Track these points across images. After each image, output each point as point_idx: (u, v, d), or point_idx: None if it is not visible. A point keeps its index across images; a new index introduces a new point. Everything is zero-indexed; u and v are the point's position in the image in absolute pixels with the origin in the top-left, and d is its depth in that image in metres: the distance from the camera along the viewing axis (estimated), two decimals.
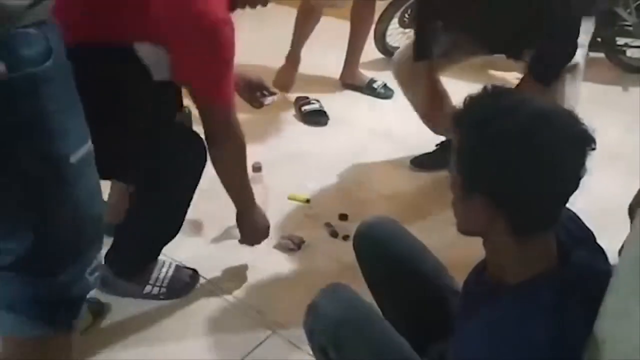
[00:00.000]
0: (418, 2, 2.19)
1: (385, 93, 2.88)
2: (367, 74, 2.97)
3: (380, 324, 1.12)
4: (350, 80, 2.95)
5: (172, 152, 1.46)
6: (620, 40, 3.13)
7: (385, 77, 2.79)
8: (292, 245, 1.90)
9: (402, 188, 2.31)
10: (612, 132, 2.38)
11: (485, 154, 0.85)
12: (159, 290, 1.69)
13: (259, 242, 1.78)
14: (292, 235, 1.94)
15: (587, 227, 0.97)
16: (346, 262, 1.85)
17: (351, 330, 1.08)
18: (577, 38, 1.81)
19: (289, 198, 2.16)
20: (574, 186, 0.86)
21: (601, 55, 3.19)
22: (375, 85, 2.91)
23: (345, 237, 1.96)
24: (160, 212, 1.55)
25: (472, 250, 0.99)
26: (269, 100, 1.88)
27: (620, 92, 3.05)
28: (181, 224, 1.64)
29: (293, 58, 2.80)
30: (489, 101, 0.88)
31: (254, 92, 1.86)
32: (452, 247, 1.48)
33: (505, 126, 0.82)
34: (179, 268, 1.75)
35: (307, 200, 2.15)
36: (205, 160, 1.55)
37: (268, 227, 1.78)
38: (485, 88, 0.90)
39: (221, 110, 1.48)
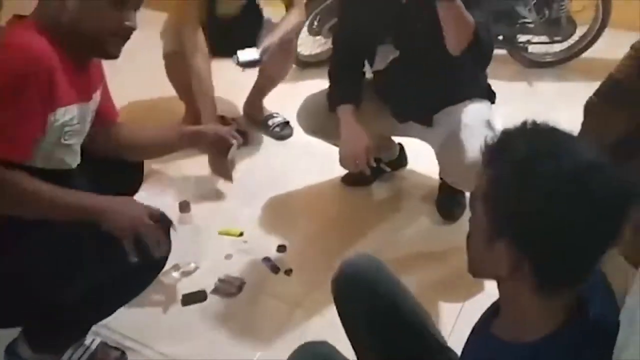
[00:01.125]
0: (334, 49, 2.09)
1: (280, 133, 2.59)
2: (279, 87, 2.68)
3: None
4: (251, 110, 2.69)
5: None
6: (522, 38, 3.24)
7: (300, 88, 2.64)
8: (233, 288, 1.73)
9: (336, 207, 2.21)
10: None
11: (523, 195, 0.75)
12: None
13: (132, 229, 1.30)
14: (230, 277, 1.77)
15: (602, 273, 0.90)
16: (294, 301, 1.73)
17: None
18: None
19: (220, 233, 1.98)
20: (614, 240, 0.77)
21: (504, 52, 3.29)
22: (270, 123, 2.61)
23: (288, 272, 1.83)
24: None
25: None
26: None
27: (526, 87, 3.16)
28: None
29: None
30: (530, 139, 0.78)
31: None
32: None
33: (550, 168, 0.73)
34: (104, 347, 1.52)
35: (241, 234, 1.99)
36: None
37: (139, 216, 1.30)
38: (525, 123, 0.79)
39: None
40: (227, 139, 1.64)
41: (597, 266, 0.80)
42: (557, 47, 3.29)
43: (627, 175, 0.76)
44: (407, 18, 1.79)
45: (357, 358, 1.22)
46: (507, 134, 0.80)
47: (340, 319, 1.24)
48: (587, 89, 1.60)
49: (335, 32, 2.18)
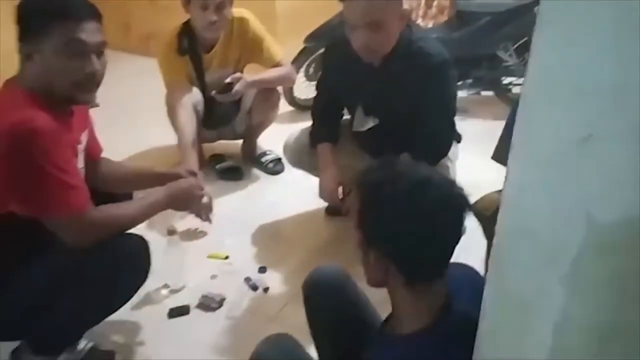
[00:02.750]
0: (317, 93, 2.33)
1: (273, 168, 2.82)
2: (277, 127, 2.96)
3: None
4: (246, 148, 2.93)
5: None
6: (506, 80, 3.45)
7: (297, 128, 2.87)
8: (214, 303, 1.93)
9: (317, 236, 2.40)
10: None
11: (377, 214, 0.96)
12: None
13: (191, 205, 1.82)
14: (213, 293, 1.97)
15: (476, 275, 1.08)
16: (269, 315, 1.91)
17: None
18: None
19: (209, 257, 2.19)
20: (454, 243, 0.97)
21: (490, 93, 3.50)
22: (263, 160, 2.85)
23: (266, 290, 2.02)
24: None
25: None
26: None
27: None
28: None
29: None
30: (383, 167, 1.00)
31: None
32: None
33: (390, 191, 0.94)
34: (94, 350, 1.70)
35: (226, 257, 2.19)
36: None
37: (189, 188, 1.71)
38: (384, 157, 1.02)
39: (73, 221, 1.40)
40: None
41: (447, 262, 0.99)
42: None
43: (455, 185, 0.97)
44: (378, 84, 2.00)
45: (318, 356, 1.37)
46: (366, 169, 1.02)
47: (307, 319, 1.39)
48: None
49: (319, 78, 2.41)
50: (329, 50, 2.24)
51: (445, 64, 1.94)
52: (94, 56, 1.43)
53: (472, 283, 1.07)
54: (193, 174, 1.82)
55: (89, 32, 1.40)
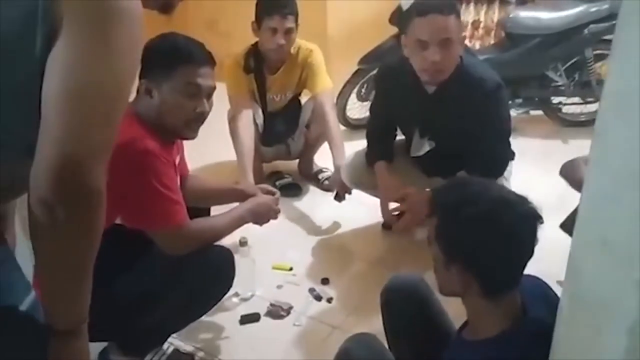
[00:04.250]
0: (371, 116, 2.46)
1: (329, 185, 2.91)
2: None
3: None
4: (304, 166, 3.09)
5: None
6: (555, 99, 3.50)
7: (350, 147, 2.99)
8: (282, 311, 2.05)
9: (376, 249, 2.51)
10: (553, 181, 2.61)
11: (458, 235, 1.07)
12: None
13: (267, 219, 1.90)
14: (280, 302, 2.09)
15: (551, 292, 1.17)
16: (332, 324, 2.02)
17: None
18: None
19: (274, 268, 2.32)
20: (530, 254, 1.07)
21: (540, 113, 3.55)
22: (320, 177, 3.01)
23: (329, 300, 2.13)
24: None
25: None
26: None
27: (561, 145, 3.38)
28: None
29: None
30: (457, 190, 1.10)
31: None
32: None
33: (472, 212, 1.04)
34: (176, 352, 1.83)
35: (290, 269, 2.32)
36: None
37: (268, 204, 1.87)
38: (452, 179, 1.13)
39: (174, 233, 1.54)
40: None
41: (522, 273, 1.08)
42: (591, 107, 3.49)
43: (527, 201, 1.06)
44: (433, 110, 2.10)
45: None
46: (441, 189, 1.13)
47: (385, 322, 1.47)
48: None
49: (372, 102, 2.54)
50: (382, 74, 2.33)
51: (499, 88, 2.03)
52: (205, 99, 1.60)
53: (542, 292, 1.16)
54: (270, 192, 1.96)
55: (205, 77, 1.57)
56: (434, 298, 1.42)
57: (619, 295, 0.83)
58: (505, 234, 1.03)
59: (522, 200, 1.08)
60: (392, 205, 2.22)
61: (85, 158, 0.81)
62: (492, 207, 1.04)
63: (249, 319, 2.03)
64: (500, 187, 1.16)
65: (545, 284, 1.22)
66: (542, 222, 1.07)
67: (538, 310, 1.08)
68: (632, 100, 0.75)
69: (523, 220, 1.05)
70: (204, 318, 1.97)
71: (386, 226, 2.59)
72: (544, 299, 1.13)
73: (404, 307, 1.41)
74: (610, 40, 3.24)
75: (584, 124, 3.52)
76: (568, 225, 1.95)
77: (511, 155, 2.25)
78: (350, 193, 2.57)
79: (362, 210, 2.66)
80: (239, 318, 2.04)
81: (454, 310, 1.36)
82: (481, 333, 1.09)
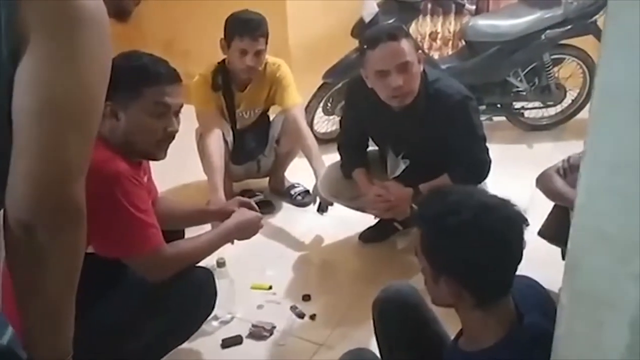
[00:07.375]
0: (342, 129, 2.47)
1: (302, 200, 2.91)
2: (300, 160, 2.99)
3: None
4: (275, 183, 3.04)
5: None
6: (517, 105, 3.56)
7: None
8: (265, 332, 2.00)
9: (355, 262, 2.48)
10: (521, 185, 2.64)
11: (444, 247, 1.04)
12: None
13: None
14: (262, 322, 2.04)
15: (544, 292, 1.16)
16: (317, 341, 1.98)
17: None
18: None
19: (253, 287, 2.27)
20: (519, 257, 1.05)
21: (503, 118, 3.61)
22: (292, 192, 2.96)
23: (312, 317, 2.09)
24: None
25: None
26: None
27: (525, 149, 3.44)
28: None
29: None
30: (438, 201, 1.07)
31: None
32: None
33: (455, 222, 1.01)
34: None
35: (270, 287, 2.26)
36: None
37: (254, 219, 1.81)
38: (431, 191, 1.11)
39: (150, 258, 1.48)
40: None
41: (513, 278, 1.06)
42: (551, 111, 3.59)
43: (510, 203, 1.05)
44: (402, 128, 2.12)
45: None
46: (422, 202, 1.11)
47: (378, 334, 1.45)
48: (582, 147, 1.86)
49: (342, 115, 2.54)
50: (351, 88, 2.34)
51: (466, 99, 2.06)
52: (174, 117, 1.56)
53: (534, 292, 1.15)
54: (246, 204, 1.90)
55: (172, 96, 1.53)
56: (428, 306, 1.40)
57: (619, 290, 0.82)
58: (490, 240, 1.01)
59: (505, 203, 1.06)
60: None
61: (64, 173, 0.76)
62: (474, 214, 1.02)
63: (231, 342, 1.97)
64: (482, 192, 1.14)
65: (535, 281, 1.21)
66: (527, 224, 1.05)
67: (532, 314, 1.07)
68: (625, 90, 0.75)
69: (508, 223, 1.03)
70: (183, 345, 1.90)
71: (363, 238, 2.57)
72: (536, 299, 1.13)
73: (400, 317, 1.39)
74: (565, 45, 3.35)
75: (546, 127, 3.61)
76: (546, 232, 1.97)
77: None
78: (332, 204, 2.54)
79: (338, 223, 2.64)
80: (220, 342, 1.97)
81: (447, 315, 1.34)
82: (478, 343, 1.07)
